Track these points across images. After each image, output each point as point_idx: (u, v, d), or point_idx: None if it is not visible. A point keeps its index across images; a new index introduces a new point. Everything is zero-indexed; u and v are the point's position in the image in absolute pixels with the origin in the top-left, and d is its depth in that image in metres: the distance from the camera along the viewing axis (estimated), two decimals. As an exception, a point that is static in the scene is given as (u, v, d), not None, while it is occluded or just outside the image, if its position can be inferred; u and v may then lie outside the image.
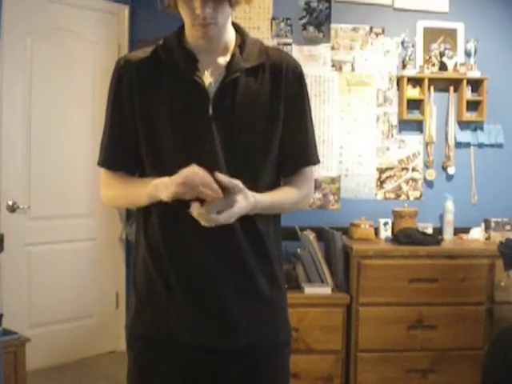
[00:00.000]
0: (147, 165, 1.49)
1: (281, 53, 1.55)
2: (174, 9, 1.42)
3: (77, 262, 3.79)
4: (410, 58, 3.65)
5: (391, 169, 3.72)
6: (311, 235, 3.34)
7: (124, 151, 1.50)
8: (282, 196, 1.51)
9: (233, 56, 1.45)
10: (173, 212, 1.44)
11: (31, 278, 3.57)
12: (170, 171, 1.40)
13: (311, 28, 3.66)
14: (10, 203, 3.44)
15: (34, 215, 3.57)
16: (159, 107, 1.45)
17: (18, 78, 3.49)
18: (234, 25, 1.50)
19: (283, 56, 1.53)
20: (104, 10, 3.85)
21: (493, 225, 3.56)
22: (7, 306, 3.33)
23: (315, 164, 1.57)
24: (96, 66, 3.80)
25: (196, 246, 1.43)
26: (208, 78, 1.45)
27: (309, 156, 1.55)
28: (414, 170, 3.73)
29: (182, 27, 1.48)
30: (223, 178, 1.31)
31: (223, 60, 1.46)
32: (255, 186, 1.43)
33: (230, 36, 1.48)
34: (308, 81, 1.59)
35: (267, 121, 1.46)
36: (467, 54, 3.68)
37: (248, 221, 1.44)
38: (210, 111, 1.42)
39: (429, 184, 3.74)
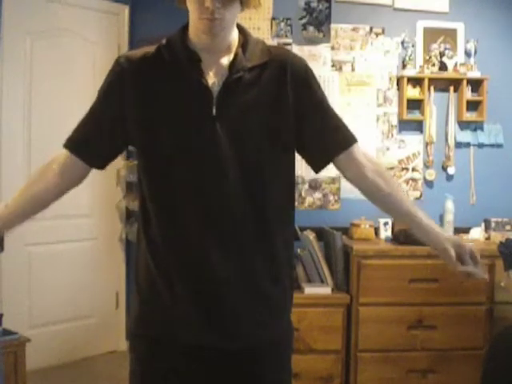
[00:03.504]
0: (146, 164, 1.49)
1: (283, 51, 1.56)
2: (181, 3, 1.43)
3: (77, 262, 3.79)
4: (409, 58, 3.65)
5: (391, 169, 3.72)
6: (311, 235, 3.34)
7: (96, 140, 1.52)
8: (400, 190, 1.57)
9: (236, 56, 1.45)
10: (173, 212, 1.44)
11: (31, 278, 3.57)
12: (170, 170, 1.42)
13: (311, 28, 3.66)
14: (10, 203, 3.44)
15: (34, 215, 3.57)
16: (161, 107, 1.44)
17: (18, 77, 3.49)
18: (238, 26, 1.50)
19: (286, 53, 1.53)
20: (104, 10, 3.85)
21: (493, 225, 3.56)
22: (7, 306, 3.33)
23: (355, 142, 1.53)
24: (96, 66, 3.79)
25: (197, 246, 1.43)
26: (211, 78, 1.44)
27: (347, 137, 1.53)
28: (414, 170, 3.73)
29: (185, 27, 1.48)
30: None
31: (226, 60, 1.46)
32: (262, 183, 1.44)
33: (234, 36, 1.48)
34: (308, 81, 1.59)
35: (272, 119, 1.45)
36: (467, 53, 3.68)
37: (257, 222, 1.44)
38: (214, 111, 1.42)
39: (429, 184, 3.74)
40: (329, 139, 1.51)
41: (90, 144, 1.53)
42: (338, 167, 1.54)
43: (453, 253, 1.46)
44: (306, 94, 1.50)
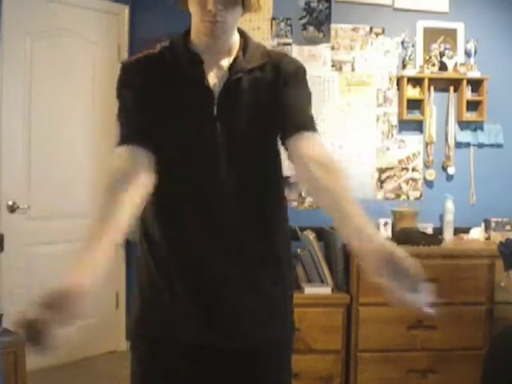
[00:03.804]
0: None
1: (281, 54, 1.57)
2: (183, 5, 1.44)
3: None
4: (410, 58, 3.65)
5: (391, 169, 3.72)
6: (311, 235, 3.34)
7: (144, 123, 1.43)
8: (346, 193, 1.32)
9: (236, 58, 1.47)
10: (173, 212, 1.44)
11: (31, 278, 3.57)
12: (171, 170, 1.43)
13: (311, 28, 3.66)
14: (10, 203, 3.44)
15: (34, 215, 3.57)
16: (162, 107, 1.45)
17: (18, 78, 3.49)
18: (239, 29, 1.53)
19: (283, 56, 1.55)
20: (104, 10, 3.85)
21: (493, 225, 3.56)
22: (7, 306, 3.33)
23: (312, 130, 1.46)
24: (96, 66, 3.79)
25: (197, 246, 1.43)
26: (213, 79, 1.46)
27: (304, 122, 1.47)
28: (414, 170, 3.73)
29: (188, 31, 1.50)
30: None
31: (227, 62, 1.48)
32: (262, 182, 1.45)
33: (235, 39, 1.50)
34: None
35: (269, 120, 1.46)
36: (467, 54, 3.68)
37: (256, 221, 1.45)
38: (215, 111, 1.43)
39: (429, 184, 3.74)
40: (288, 123, 1.46)
41: (139, 126, 1.43)
42: (288, 152, 1.45)
43: (373, 258, 1.20)
44: (290, 91, 1.49)
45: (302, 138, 1.43)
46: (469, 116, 3.69)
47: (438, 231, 3.57)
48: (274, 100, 1.47)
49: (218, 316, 1.44)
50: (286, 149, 1.47)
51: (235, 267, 1.44)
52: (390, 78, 3.70)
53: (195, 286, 1.44)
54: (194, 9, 1.41)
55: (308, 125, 1.46)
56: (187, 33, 1.50)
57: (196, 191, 1.43)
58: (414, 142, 3.72)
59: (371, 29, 3.69)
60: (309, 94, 1.54)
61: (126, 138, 1.41)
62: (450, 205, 3.56)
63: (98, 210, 1.31)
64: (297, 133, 1.44)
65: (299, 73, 1.52)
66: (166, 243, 1.46)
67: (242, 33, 1.53)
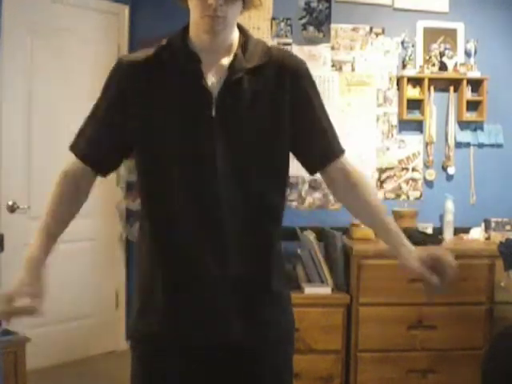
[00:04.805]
0: (144, 164, 1.48)
1: (283, 52, 1.55)
2: (183, 1, 1.43)
3: (77, 262, 3.78)
4: (410, 58, 3.65)
5: (391, 169, 3.72)
6: (311, 235, 3.34)
7: (105, 148, 1.51)
8: (378, 204, 1.53)
9: (235, 56, 1.45)
10: (170, 212, 1.44)
11: (31, 277, 3.57)
12: (169, 171, 1.42)
13: (311, 28, 3.66)
14: (10, 203, 3.44)
15: (34, 215, 3.56)
16: (160, 108, 1.44)
17: (18, 78, 3.49)
18: (238, 26, 1.50)
19: (285, 54, 1.53)
20: (104, 10, 3.85)
21: (493, 225, 3.56)
22: (7, 306, 3.32)
23: (341, 153, 1.55)
24: (96, 66, 3.79)
25: (194, 247, 1.43)
26: (211, 79, 1.44)
27: (333, 150, 1.55)
28: (414, 170, 3.73)
29: (186, 28, 1.48)
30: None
31: (226, 61, 1.45)
32: (261, 184, 1.44)
33: (235, 36, 1.47)
34: (308, 81, 1.59)
35: (270, 120, 1.45)
36: (467, 53, 3.68)
37: (253, 222, 1.44)
38: (213, 112, 1.41)
39: (429, 184, 3.74)
40: (323, 145, 1.53)
41: (98, 149, 1.52)
42: (325, 179, 1.57)
43: (416, 266, 1.39)
44: (302, 99, 1.49)
45: (338, 167, 1.53)
46: (469, 116, 3.69)
47: (438, 231, 3.57)
48: (278, 100, 1.45)
49: (217, 316, 1.44)
50: (320, 174, 1.56)
51: (231, 267, 1.43)
52: (390, 78, 3.70)
53: (193, 286, 1.44)
54: (193, 4, 1.39)
55: (338, 149, 1.55)
56: (185, 30, 1.47)
57: (194, 192, 1.42)
58: (414, 142, 3.72)
59: (371, 29, 3.69)
60: (322, 102, 1.56)
61: (77, 151, 1.58)
62: (449, 205, 3.56)
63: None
64: (331, 162, 1.53)
65: (306, 77, 1.52)
66: (164, 244, 1.45)
67: (241, 29, 1.50)
